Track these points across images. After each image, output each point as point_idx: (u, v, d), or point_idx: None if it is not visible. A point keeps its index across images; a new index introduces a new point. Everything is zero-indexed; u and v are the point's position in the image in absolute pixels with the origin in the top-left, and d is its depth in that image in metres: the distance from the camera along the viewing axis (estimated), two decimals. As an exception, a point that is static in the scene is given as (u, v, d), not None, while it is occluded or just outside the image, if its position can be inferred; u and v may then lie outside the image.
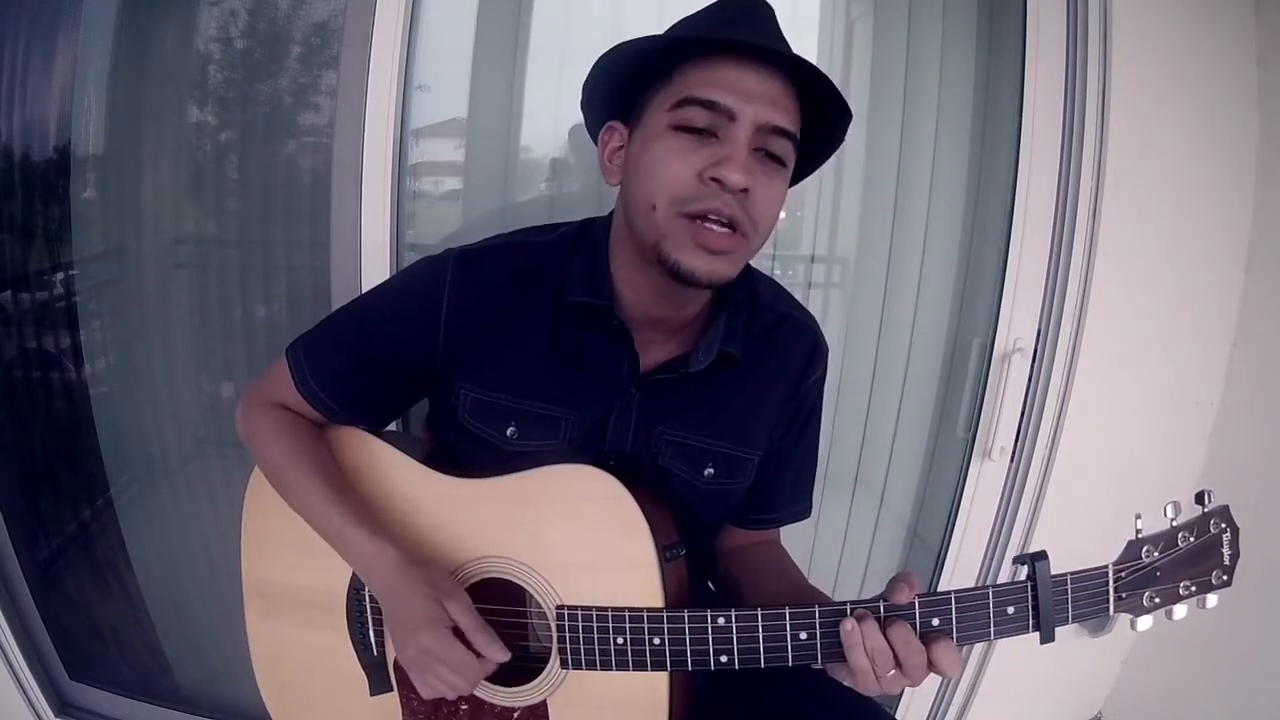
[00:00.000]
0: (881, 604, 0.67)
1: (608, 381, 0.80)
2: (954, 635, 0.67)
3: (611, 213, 0.82)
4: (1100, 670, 1.54)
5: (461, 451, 0.83)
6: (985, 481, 1.34)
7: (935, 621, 0.67)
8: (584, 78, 0.76)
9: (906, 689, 1.43)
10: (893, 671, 0.66)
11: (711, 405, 0.82)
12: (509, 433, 0.80)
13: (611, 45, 0.72)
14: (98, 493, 1.47)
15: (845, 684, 0.69)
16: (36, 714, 1.45)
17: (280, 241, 1.35)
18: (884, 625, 0.66)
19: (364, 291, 0.89)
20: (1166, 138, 1.23)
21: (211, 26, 1.30)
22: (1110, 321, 1.26)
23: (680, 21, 0.75)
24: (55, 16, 1.30)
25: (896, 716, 1.43)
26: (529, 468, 0.76)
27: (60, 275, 1.40)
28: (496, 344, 0.79)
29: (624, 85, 0.73)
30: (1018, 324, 1.27)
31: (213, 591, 1.43)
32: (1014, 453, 1.31)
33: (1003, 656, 1.39)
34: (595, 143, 0.79)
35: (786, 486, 0.92)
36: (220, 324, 1.39)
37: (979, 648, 1.38)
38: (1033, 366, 1.28)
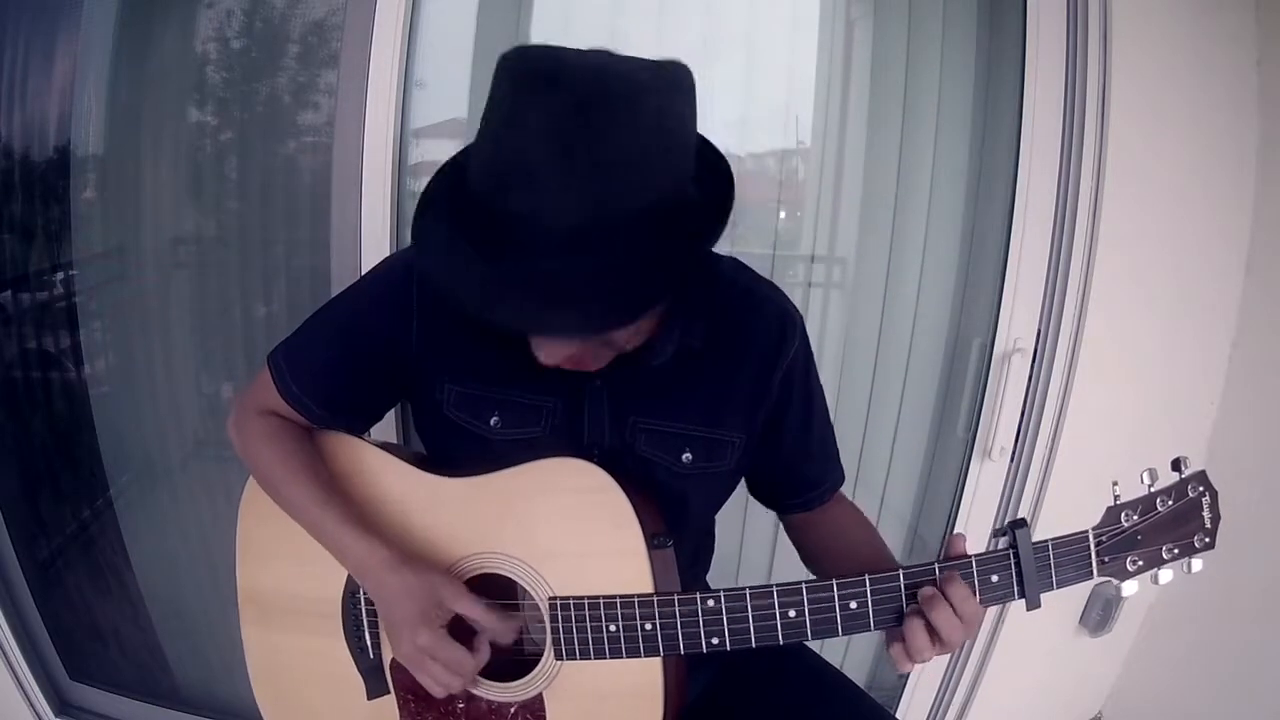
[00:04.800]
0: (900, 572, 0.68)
1: (575, 372, 0.78)
2: None
3: None
4: (1100, 670, 1.54)
5: (448, 449, 0.84)
6: (985, 481, 1.34)
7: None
8: None
9: (907, 688, 1.45)
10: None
11: (681, 390, 0.82)
12: (493, 422, 0.81)
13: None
14: (98, 493, 1.47)
15: (898, 662, 0.69)
16: (36, 714, 1.45)
17: (280, 241, 1.35)
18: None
19: (336, 294, 0.89)
20: (1166, 138, 1.23)
21: (211, 26, 1.30)
22: (1110, 321, 1.25)
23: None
24: (55, 16, 1.30)
25: (897, 716, 1.43)
26: (516, 464, 0.77)
27: (60, 275, 1.40)
28: (471, 336, 0.78)
29: None
30: (1018, 324, 1.27)
31: (212, 591, 1.43)
32: (1014, 453, 1.31)
33: (1003, 656, 1.39)
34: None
35: (818, 461, 0.91)
36: (220, 324, 1.39)
37: (979, 647, 1.38)
38: (1033, 366, 1.28)
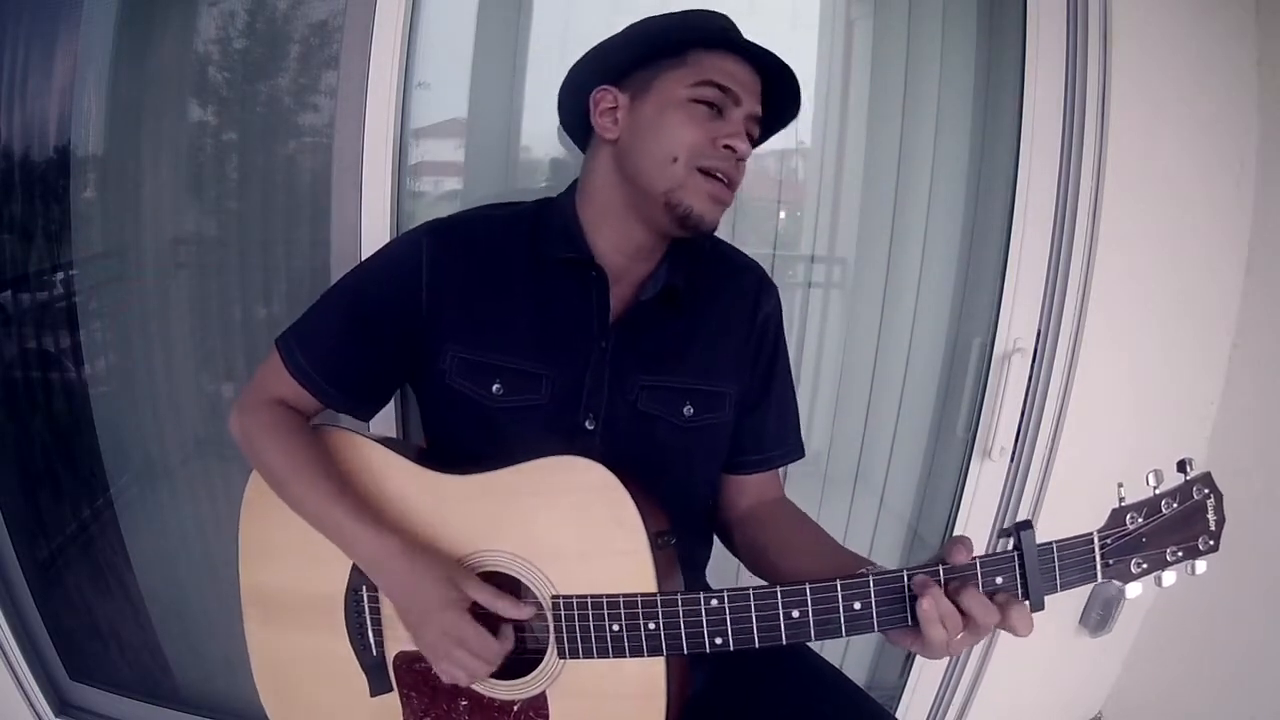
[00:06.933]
0: (904, 572, 0.69)
1: (581, 336, 0.85)
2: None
3: (570, 187, 0.91)
4: (1100, 670, 1.54)
5: (449, 423, 0.86)
6: (985, 481, 1.34)
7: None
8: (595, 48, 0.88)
9: (907, 687, 1.45)
10: (961, 634, 0.67)
11: (677, 346, 0.88)
12: (494, 389, 0.83)
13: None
14: (98, 493, 1.47)
15: (914, 651, 0.70)
16: (36, 714, 1.45)
17: (280, 241, 1.35)
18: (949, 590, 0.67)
19: (339, 279, 0.92)
20: (1166, 138, 1.23)
21: (211, 27, 1.30)
22: (1110, 321, 1.26)
23: (671, 16, 0.86)
24: (55, 16, 1.30)
25: (897, 716, 1.43)
26: (520, 461, 0.77)
27: (60, 275, 1.40)
28: (476, 304, 0.84)
29: (630, 59, 0.84)
30: (1018, 324, 1.27)
31: (212, 591, 1.43)
32: (1014, 453, 1.31)
33: (1003, 656, 1.39)
34: (566, 107, 0.91)
35: (772, 424, 0.96)
36: (220, 324, 1.39)
37: (979, 647, 1.38)
38: (1033, 366, 1.28)
